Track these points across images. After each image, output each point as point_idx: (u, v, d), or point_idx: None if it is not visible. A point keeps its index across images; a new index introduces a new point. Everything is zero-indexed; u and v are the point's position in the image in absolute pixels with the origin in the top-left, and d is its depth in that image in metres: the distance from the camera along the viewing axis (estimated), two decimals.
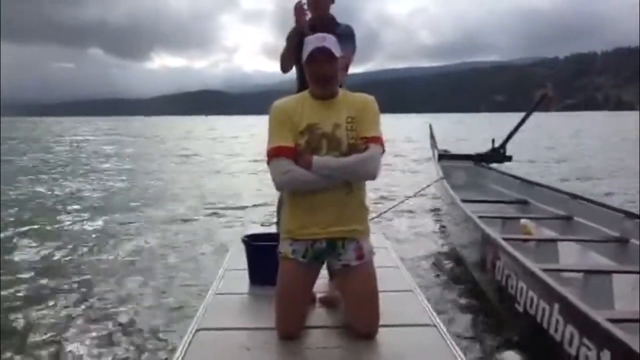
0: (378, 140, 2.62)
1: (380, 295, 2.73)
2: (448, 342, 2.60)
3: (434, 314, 2.98)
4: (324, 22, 3.25)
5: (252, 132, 47.30)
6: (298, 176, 2.54)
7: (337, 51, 2.60)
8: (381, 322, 2.69)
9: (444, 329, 2.75)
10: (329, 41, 2.59)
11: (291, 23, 3.31)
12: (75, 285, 5.33)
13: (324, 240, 2.63)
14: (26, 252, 6.60)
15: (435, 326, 2.80)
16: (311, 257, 2.66)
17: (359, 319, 2.68)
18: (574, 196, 5.67)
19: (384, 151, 2.65)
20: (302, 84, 3.20)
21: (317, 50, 2.56)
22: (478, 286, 4.66)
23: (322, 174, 2.53)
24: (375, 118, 2.67)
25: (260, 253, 3.45)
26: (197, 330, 2.78)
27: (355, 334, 2.67)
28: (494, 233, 4.32)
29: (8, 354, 3.75)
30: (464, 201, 5.76)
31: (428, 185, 8.06)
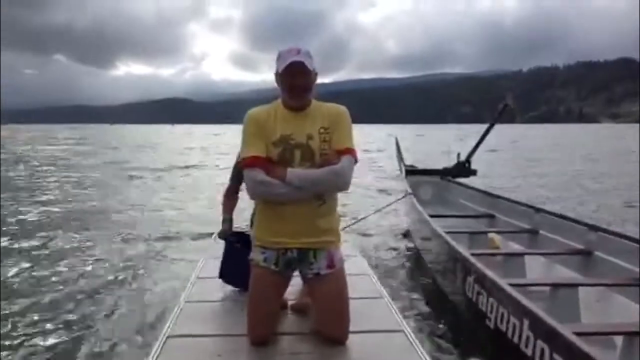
0: (351, 151, 2.65)
1: (351, 302, 2.77)
2: (416, 347, 2.66)
3: (403, 320, 3.03)
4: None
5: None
6: (271, 187, 2.56)
7: (310, 65, 2.62)
8: (351, 328, 2.73)
9: (412, 335, 2.81)
10: (304, 54, 2.61)
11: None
12: (45, 295, 5.26)
13: (295, 249, 2.67)
14: None
15: (403, 331, 2.86)
16: (282, 266, 2.69)
17: (330, 325, 2.71)
18: (539, 210, 5.78)
19: (356, 162, 2.69)
20: None
21: (294, 63, 2.57)
22: (447, 299, 4.71)
23: (295, 185, 2.55)
24: (348, 129, 2.70)
25: (237, 254, 3.43)
26: (168, 338, 2.78)
27: (326, 340, 2.70)
28: (463, 249, 4.37)
29: None
30: (432, 216, 5.81)
31: (397, 200, 8.12)
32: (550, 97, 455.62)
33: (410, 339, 2.76)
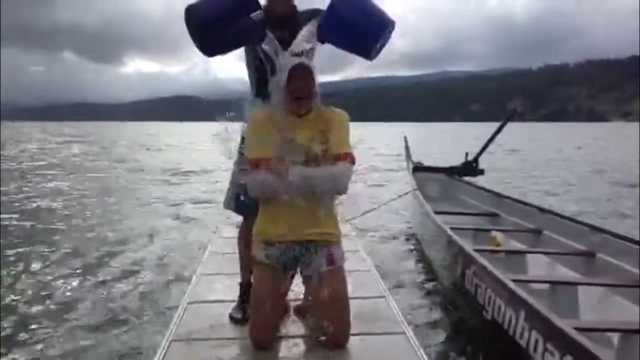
0: (349, 156, 2.72)
1: (353, 301, 2.79)
2: (417, 351, 2.66)
3: (405, 321, 3.04)
4: (287, 18, 3.01)
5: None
6: (273, 188, 2.63)
7: (314, 69, 2.70)
8: (353, 330, 2.74)
9: (414, 337, 2.81)
10: (308, 60, 2.72)
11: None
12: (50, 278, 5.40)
13: (296, 244, 2.71)
14: None
15: (405, 334, 2.86)
16: (284, 263, 2.73)
17: (329, 328, 2.70)
18: (543, 210, 5.78)
19: (353, 164, 2.74)
20: (259, 88, 3.04)
21: (297, 66, 2.66)
22: (447, 293, 4.74)
23: (296, 185, 2.60)
24: (346, 134, 2.78)
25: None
26: (172, 341, 2.79)
27: (326, 343, 2.70)
28: (465, 243, 4.40)
29: None
30: (437, 212, 5.83)
31: (402, 195, 8.14)
32: (560, 95, 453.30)
33: (412, 342, 2.76)
